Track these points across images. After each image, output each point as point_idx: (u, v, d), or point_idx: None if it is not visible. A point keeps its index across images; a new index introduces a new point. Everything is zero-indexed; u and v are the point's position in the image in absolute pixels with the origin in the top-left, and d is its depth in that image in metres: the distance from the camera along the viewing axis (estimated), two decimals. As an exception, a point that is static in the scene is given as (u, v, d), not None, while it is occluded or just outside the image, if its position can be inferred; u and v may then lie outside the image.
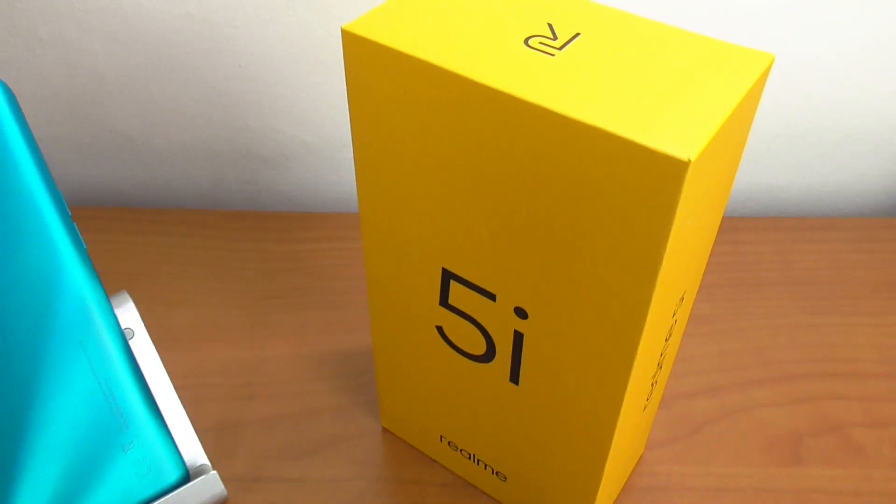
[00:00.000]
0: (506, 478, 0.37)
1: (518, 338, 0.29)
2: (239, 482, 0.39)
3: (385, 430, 0.41)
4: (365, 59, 0.25)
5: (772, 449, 0.41)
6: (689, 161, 0.21)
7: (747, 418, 0.42)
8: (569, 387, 0.29)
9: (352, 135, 0.29)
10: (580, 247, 0.25)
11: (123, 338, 0.37)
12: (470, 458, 0.37)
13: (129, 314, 0.38)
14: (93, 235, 0.52)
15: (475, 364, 0.32)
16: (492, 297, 0.29)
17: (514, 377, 0.31)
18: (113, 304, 0.38)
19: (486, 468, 0.37)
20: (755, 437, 0.41)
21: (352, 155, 0.58)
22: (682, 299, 0.29)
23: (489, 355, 0.31)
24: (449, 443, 0.38)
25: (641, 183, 0.22)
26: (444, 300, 0.31)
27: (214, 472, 0.37)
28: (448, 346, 0.33)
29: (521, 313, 0.28)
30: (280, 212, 0.54)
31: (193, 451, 0.38)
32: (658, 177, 0.21)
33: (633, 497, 0.39)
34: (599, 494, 0.34)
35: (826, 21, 0.49)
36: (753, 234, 0.52)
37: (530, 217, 0.25)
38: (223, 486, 0.37)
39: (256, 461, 0.40)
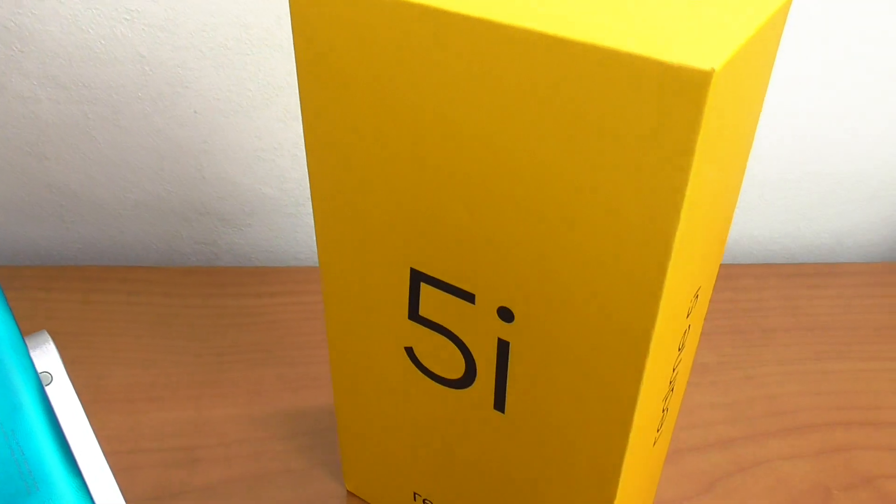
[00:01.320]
0: (491, 539, 0.31)
1: (503, 349, 0.25)
2: (175, 559, 0.33)
3: (350, 494, 0.36)
4: (317, 14, 0.21)
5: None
6: (713, 70, 0.17)
7: (765, 472, 0.37)
8: (565, 409, 0.24)
9: (302, 115, 0.24)
10: (580, 214, 0.20)
11: (39, 382, 0.31)
12: (448, 518, 0.32)
13: (47, 357, 0.33)
14: (25, 294, 0.46)
15: (452, 392, 0.27)
16: (470, 298, 0.24)
17: (500, 402, 0.26)
18: (28, 345, 0.33)
19: (467, 530, 0.31)
20: (776, 492, 0.36)
21: (316, 209, 0.54)
22: (697, 296, 0.24)
23: (469, 377, 0.26)
24: (424, 501, 0.32)
25: (655, 115, 0.18)
26: (413, 312, 0.26)
27: (143, 542, 0.31)
28: (420, 373, 0.28)
29: (505, 315, 0.24)
30: (235, 266, 0.50)
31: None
32: (675, 100, 0.17)
33: (643, 564, 0.33)
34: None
35: (815, 65, 0.47)
36: (752, 280, 0.48)
37: (517, 184, 0.21)
38: (153, 560, 0.30)
39: (197, 534, 0.34)
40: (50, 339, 0.33)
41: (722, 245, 0.25)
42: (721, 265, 0.49)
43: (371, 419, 0.31)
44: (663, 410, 0.27)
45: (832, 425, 0.39)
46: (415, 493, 0.32)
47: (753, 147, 0.50)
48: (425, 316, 0.26)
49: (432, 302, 0.25)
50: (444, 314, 0.25)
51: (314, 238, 0.55)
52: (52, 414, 0.30)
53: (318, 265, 0.53)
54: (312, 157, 0.25)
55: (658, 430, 0.28)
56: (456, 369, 0.26)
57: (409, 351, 0.27)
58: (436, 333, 0.26)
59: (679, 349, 0.25)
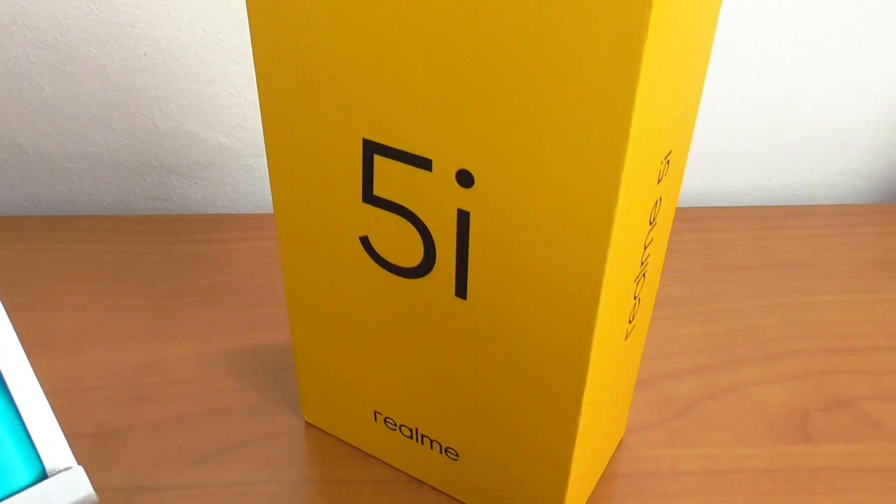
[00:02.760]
0: (457, 455, 0.29)
1: (462, 223, 0.23)
2: (119, 491, 0.31)
3: (309, 425, 0.34)
4: None
5: (775, 427, 0.34)
6: None
7: (742, 397, 0.36)
8: (530, 287, 0.23)
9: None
10: (539, 65, 0.19)
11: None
12: (412, 436, 0.30)
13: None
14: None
15: (411, 284, 0.25)
16: (427, 165, 0.22)
17: (461, 287, 0.24)
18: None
19: (432, 447, 0.29)
20: (753, 415, 0.35)
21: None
22: (668, 162, 0.23)
23: (428, 263, 0.24)
24: (386, 420, 0.30)
25: None
26: (368, 192, 0.24)
27: (80, 467, 0.28)
28: (376, 266, 0.26)
29: (464, 179, 0.22)
30: (187, 215, 0.47)
31: (58, 454, 0.29)
32: None
33: (617, 485, 0.31)
34: (574, 465, 0.26)
35: (783, 18, 0.46)
36: (724, 222, 0.47)
37: (475, 37, 0.19)
38: (90, 486, 0.28)
39: (143, 468, 0.32)
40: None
41: (693, 114, 0.24)
42: (693, 208, 0.48)
43: (327, 333, 0.29)
44: (635, 298, 0.25)
45: (809, 352, 0.38)
46: (375, 413, 0.30)
47: (722, 97, 0.49)
48: (380, 195, 0.24)
49: (387, 177, 0.23)
50: (399, 189, 0.23)
51: (269, 191, 0.53)
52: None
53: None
54: (255, 23, 0.23)
55: (630, 322, 0.26)
56: (414, 255, 0.25)
57: (365, 241, 0.25)
58: (392, 215, 0.24)
59: (650, 222, 0.24)
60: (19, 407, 0.29)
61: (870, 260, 0.44)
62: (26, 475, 0.28)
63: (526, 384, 0.25)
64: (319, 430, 0.33)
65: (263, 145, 0.51)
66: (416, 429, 0.29)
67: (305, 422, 0.34)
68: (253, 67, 0.47)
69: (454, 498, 0.31)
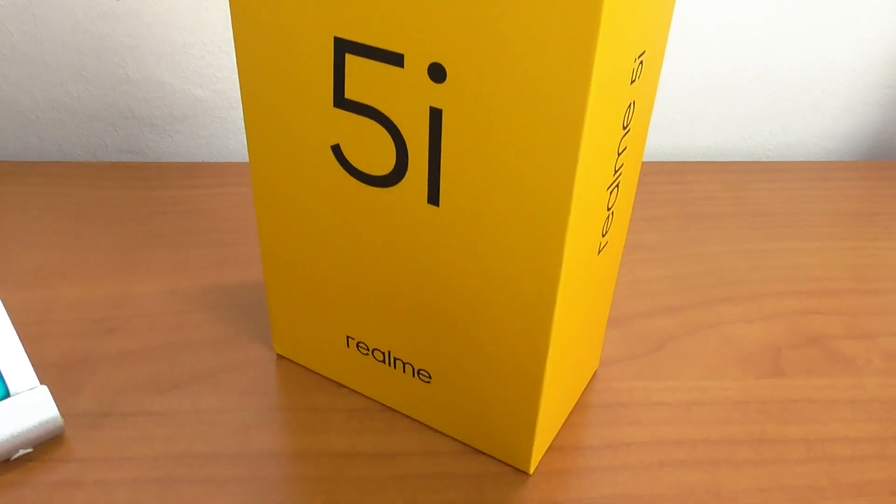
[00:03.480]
0: (430, 377, 0.29)
1: (435, 123, 0.23)
2: (85, 417, 0.30)
3: (280, 358, 0.33)
4: None
5: (747, 362, 0.34)
6: None
7: (715, 335, 0.36)
8: (502, 189, 0.23)
9: None
10: None
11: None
12: (385, 359, 0.29)
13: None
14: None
15: (383, 193, 0.25)
16: (398, 61, 0.22)
17: (434, 194, 0.24)
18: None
19: (405, 370, 0.29)
20: (726, 351, 0.35)
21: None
22: (641, 63, 0.23)
23: (400, 169, 0.24)
24: (358, 345, 0.30)
25: None
26: (339, 96, 0.24)
27: (44, 386, 0.28)
28: (348, 177, 0.25)
29: (437, 74, 0.22)
30: (160, 162, 0.47)
31: (22, 377, 0.29)
32: None
33: (590, 414, 0.31)
34: (546, 387, 0.26)
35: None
36: (698, 174, 0.47)
37: None
38: (54, 406, 0.28)
39: (109, 396, 0.31)
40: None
41: (668, 17, 0.24)
42: (668, 162, 0.48)
43: (299, 255, 0.29)
44: (608, 209, 0.25)
45: (782, 294, 0.38)
46: (348, 338, 0.30)
47: (697, 58, 0.49)
48: (352, 98, 0.24)
49: (358, 78, 0.23)
50: (371, 90, 0.23)
51: (245, 145, 0.52)
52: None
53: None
54: None
55: (603, 236, 0.26)
56: (386, 162, 0.24)
57: (336, 150, 0.25)
58: (364, 120, 0.24)
59: (624, 127, 0.23)
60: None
61: (842, 211, 0.44)
62: (-11, 395, 0.27)
63: (498, 297, 0.25)
64: (290, 361, 0.33)
65: (237, 97, 0.50)
66: (389, 352, 0.29)
67: (277, 354, 0.33)
68: (226, 16, 0.46)
69: (426, 425, 0.30)
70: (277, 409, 0.31)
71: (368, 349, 0.30)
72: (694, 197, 0.45)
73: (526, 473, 0.29)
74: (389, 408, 0.31)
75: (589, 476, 0.29)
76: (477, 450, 0.29)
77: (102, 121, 0.50)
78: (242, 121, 0.51)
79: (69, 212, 0.41)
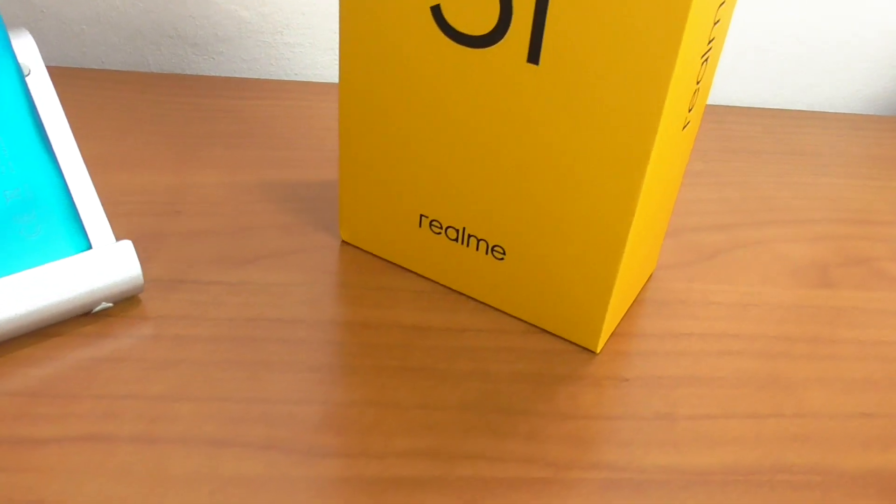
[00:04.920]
0: (504, 253, 0.29)
1: (545, -24, 0.23)
2: (158, 282, 0.31)
3: (344, 244, 0.34)
4: None
5: (796, 274, 0.35)
6: None
7: (764, 250, 0.36)
8: (607, 45, 0.23)
9: None
10: None
11: (19, 71, 0.28)
12: (458, 237, 0.30)
13: (27, 51, 0.30)
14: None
15: (480, 53, 0.26)
16: None
17: (535, 51, 0.25)
18: (10, 37, 0.30)
19: (478, 247, 0.30)
20: (775, 265, 0.36)
21: (293, 41, 0.52)
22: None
23: (502, 27, 0.25)
24: (431, 223, 0.30)
25: None
26: (447, -48, 0.24)
27: (128, 241, 0.28)
28: (445, 40, 0.26)
29: (555, -78, 0.22)
30: (212, 76, 0.47)
31: (101, 231, 0.29)
32: None
33: (650, 308, 0.32)
34: (622, 267, 0.27)
35: None
36: (739, 117, 0.48)
37: None
38: (137, 260, 0.28)
39: (180, 266, 0.32)
40: (29, 35, 0.30)
41: None
42: (707, 105, 0.49)
43: (380, 130, 0.29)
44: (697, 83, 0.26)
45: (826, 220, 0.39)
46: (421, 217, 0.31)
47: (738, 12, 0.49)
48: (460, -47, 0.24)
49: (471, -70, 0.24)
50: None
51: (289, 73, 0.53)
52: (31, 103, 0.28)
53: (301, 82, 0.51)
54: None
55: (689, 111, 0.27)
56: (487, 20, 0.25)
57: (436, 10, 0.26)
58: (470, -25, 0.24)
59: (714, 22, 0.24)
60: (70, 187, 0.29)
61: (879, 156, 0.45)
62: (72, 242, 0.28)
63: (588, 163, 0.26)
64: (355, 248, 0.33)
65: (283, 23, 0.51)
66: (463, 229, 0.30)
67: (341, 241, 0.34)
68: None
69: (492, 307, 0.31)
70: (345, 286, 0.31)
71: (442, 227, 0.30)
72: (735, 136, 0.46)
73: (592, 352, 0.30)
74: (455, 291, 0.32)
75: (652, 358, 0.30)
76: (543, 330, 0.30)
77: (146, 38, 0.51)
78: (286, 46, 0.51)
79: (120, 112, 0.42)
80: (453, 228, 0.30)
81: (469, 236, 0.30)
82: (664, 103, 0.23)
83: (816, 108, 0.54)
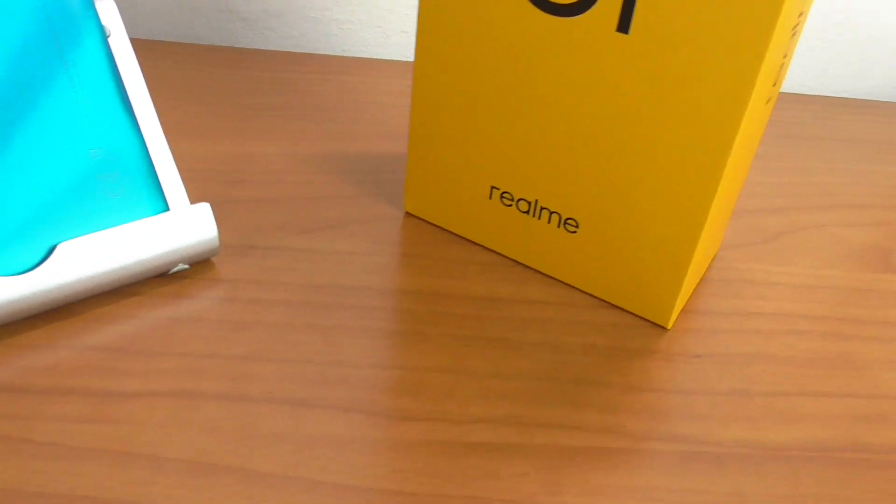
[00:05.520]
0: (577, 226, 0.29)
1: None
2: (228, 247, 0.31)
3: (408, 216, 0.34)
4: None
5: (859, 258, 0.35)
6: None
7: (824, 234, 0.36)
8: (702, 14, 0.23)
9: None
10: None
11: (103, 33, 0.29)
12: (529, 209, 0.30)
13: (109, 14, 0.30)
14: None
15: (570, 22, 0.25)
16: None
17: (625, 20, 0.25)
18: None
19: (550, 220, 0.30)
20: (837, 248, 0.35)
21: (342, 17, 0.52)
22: None
23: (593, -5, 0.25)
24: (503, 195, 0.30)
25: None
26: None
27: (206, 203, 0.28)
28: (533, 9, 0.26)
29: None
30: (266, 49, 0.47)
31: (177, 194, 0.29)
32: None
33: (716, 287, 0.32)
34: (700, 245, 0.27)
35: None
36: (787, 104, 0.48)
37: None
38: (214, 222, 0.28)
39: (248, 232, 0.32)
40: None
41: None
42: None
43: (457, 100, 0.29)
44: (784, 56, 0.26)
45: (884, 207, 0.39)
46: (492, 188, 0.30)
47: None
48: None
49: None
50: None
51: (336, 50, 0.53)
52: (113, 63, 0.28)
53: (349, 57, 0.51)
54: None
55: (773, 85, 0.26)
56: (578, -11, 0.25)
57: (525, -22, 0.26)
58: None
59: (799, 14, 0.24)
60: (150, 150, 0.29)
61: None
62: (150, 202, 0.28)
63: (672, 135, 0.25)
64: (419, 220, 0.33)
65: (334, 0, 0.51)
66: (536, 201, 0.30)
67: (405, 213, 0.34)
68: None
69: (560, 281, 0.31)
70: (411, 256, 0.31)
71: (513, 199, 0.30)
72: (785, 121, 0.46)
73: (663, 328, 0.29)
74: (521, 264, 0.32)
75: (723, 336, 0.30)
76: (611, 304, 0.30)
77: (197, 11, 0.51)
78: (334, 23, 0.51)
79: (175, 83, 0.42)
80: (525, 201, 0.30)
81: (541, 209, 0.30)
82: (758, 74, 0.23)
83: (866, 97, 0.54)
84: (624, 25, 0.25)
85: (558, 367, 0.27)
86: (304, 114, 0.40)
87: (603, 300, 0.30)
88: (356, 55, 0.52)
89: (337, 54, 0.52)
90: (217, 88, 0.41)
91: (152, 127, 0.29)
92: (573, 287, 0.31)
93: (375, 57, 0.51)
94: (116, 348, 0.25)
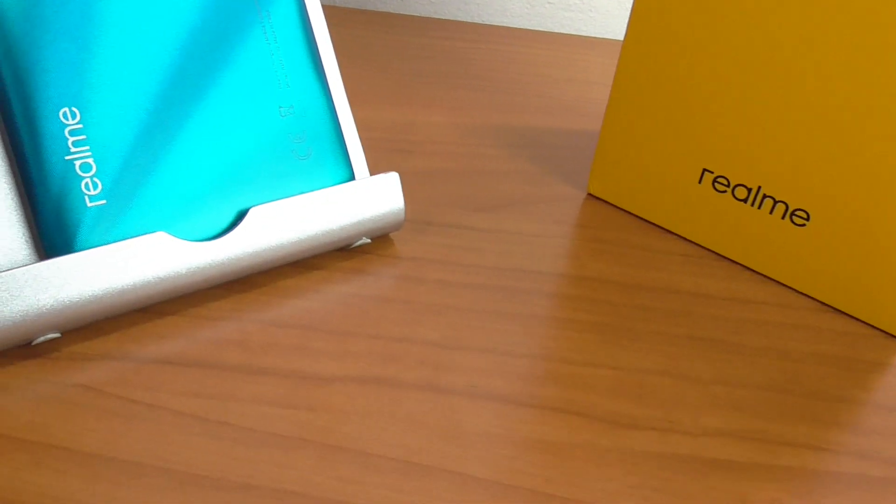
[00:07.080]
0: (807, 218, 0.26)
1: None
2: (408, 223, 0.28)
3: (589, 197, 0.30)
4: None
5: None
6: None
7: None
8: None
9: None
10: None
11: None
12: (748, 197, 0.26)
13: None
14: None
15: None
16: None
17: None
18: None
19: (773, 210, 0.26)
20: None
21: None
22: None
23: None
24: (716, 180, 0.27)
25: None
26: None
27: (394, 173, 0.26)
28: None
29: None
30: (415, 15, 0.44)
31: (360, 163, 0.26)
32: None
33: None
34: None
35: None
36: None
37: None
38: (402, 195, 0.25)
39: (425, 207, 0.29)
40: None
41: None
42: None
43: (669, 74, 0.26)
44: None
45: None
46: (704, 171, 0.27)
47: None
48: None
49: None
50: None
51: (474, 17, 0.50)
52: (308, 23, 0.25)
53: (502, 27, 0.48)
54: None
55: None
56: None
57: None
58: None
59: None
60: (340, 121, 0.26)
61: None
62: (338, 167, 0.25)
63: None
64: (602, 202, 0.30)
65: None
66: (759, 188, 0.26)
67: (586, 194, 0.31)
68: None
69: (771, 278, 0.27)
70: (602, 242, 0.28)
71: (729, 185, 0.27)
72: None
73: (900, 339, 0.26)
74: (727, 259, 0.28)
75: (968, 353, 0.26)
76: (837, 310, 0.26)
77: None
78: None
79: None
80: (744, 187, 0.27)
81: (764, 197, 0.26)
82: None
83: None
84: (913, -16, 0.21)
85: (790, 378, 0.24)
86: (463, 83, 0.37)
87: (825, 304, 0.27)
88: (499, 24, 0.49)
89: (476, 22, 0.49)
90: (373, 55, 0.39)
91: (338, 89, 0.26)
92: (787, 286, 0.27)
93: (520, 27, 0.48)
94: (305, 325, 0.23)
